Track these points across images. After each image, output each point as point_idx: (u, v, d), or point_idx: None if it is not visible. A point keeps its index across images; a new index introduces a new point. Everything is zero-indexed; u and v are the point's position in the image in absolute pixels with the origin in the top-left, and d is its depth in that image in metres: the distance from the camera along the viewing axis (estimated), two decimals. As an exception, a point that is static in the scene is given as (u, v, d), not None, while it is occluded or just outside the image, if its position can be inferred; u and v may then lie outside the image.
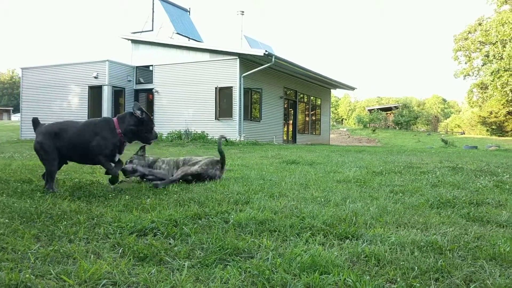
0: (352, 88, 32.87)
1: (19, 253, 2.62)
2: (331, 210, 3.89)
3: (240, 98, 20.91)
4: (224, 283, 2.24)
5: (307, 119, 29.48)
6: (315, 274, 2.35)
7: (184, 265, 2.45)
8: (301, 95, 28.23)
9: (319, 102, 30.84)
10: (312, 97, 29.70)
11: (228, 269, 2.41)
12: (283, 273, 2.36)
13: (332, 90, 33.60)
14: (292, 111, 27.49)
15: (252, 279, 2.30)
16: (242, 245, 2.83)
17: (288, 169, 7.54)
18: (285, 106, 26.40)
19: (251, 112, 22.45)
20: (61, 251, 2.67)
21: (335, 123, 74.25)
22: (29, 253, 2.60)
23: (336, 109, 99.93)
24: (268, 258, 2.59)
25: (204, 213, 3.61)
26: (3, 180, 5.36)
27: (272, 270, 2.41)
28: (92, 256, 2.57)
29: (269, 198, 4.49)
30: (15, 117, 48.82)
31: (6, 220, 3.32)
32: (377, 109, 58.20)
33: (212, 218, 3.50)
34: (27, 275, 2.23)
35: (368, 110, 63.05)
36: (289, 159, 9.37)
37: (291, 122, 27.45)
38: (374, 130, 44.48)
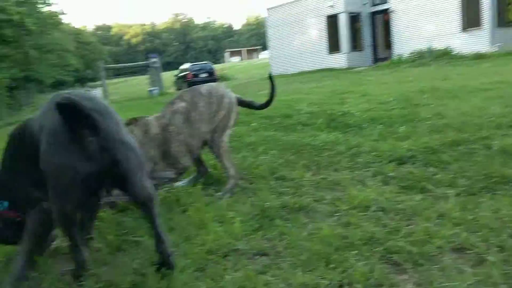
0: None
1: (296, 180, 3.07)
2: None
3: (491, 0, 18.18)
4: (494, 212, 2.18)
5: None
6: None
7: (448, 193, 2.47)
8: None
9: None
10: None
11: (497, 198, 2.33)
12: None
13: None
14: None
15: (527, 209, 2.17)
16: (511, 174, 2.66)
17: (561, 81, 6.41)
18: (552, 1, 21.78)
19: (505, 16, 19.34)
20: (329, 179, 3.01)
21: None
22: (304, 181, 3.02)
23: None
24: (545, 188, 2.38)
25: (463, 140, 3.46)
26: (268, 116, 5.93)
27: (551, 201, 2.22)
28: (357, 184, 2.83)
29: (540, 119, 3.98)
30: (262, 55, 53.40)
31: (279, 152, 3.88)
32: None
33: (472, 145, 3.34)
34: (308, 199, 2.63)
35: None
36: (561, 68, 7.88)
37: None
38: None
